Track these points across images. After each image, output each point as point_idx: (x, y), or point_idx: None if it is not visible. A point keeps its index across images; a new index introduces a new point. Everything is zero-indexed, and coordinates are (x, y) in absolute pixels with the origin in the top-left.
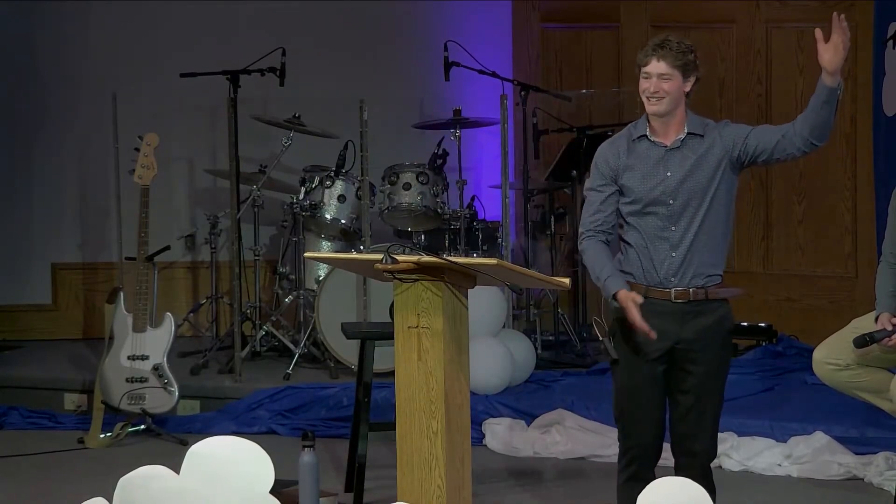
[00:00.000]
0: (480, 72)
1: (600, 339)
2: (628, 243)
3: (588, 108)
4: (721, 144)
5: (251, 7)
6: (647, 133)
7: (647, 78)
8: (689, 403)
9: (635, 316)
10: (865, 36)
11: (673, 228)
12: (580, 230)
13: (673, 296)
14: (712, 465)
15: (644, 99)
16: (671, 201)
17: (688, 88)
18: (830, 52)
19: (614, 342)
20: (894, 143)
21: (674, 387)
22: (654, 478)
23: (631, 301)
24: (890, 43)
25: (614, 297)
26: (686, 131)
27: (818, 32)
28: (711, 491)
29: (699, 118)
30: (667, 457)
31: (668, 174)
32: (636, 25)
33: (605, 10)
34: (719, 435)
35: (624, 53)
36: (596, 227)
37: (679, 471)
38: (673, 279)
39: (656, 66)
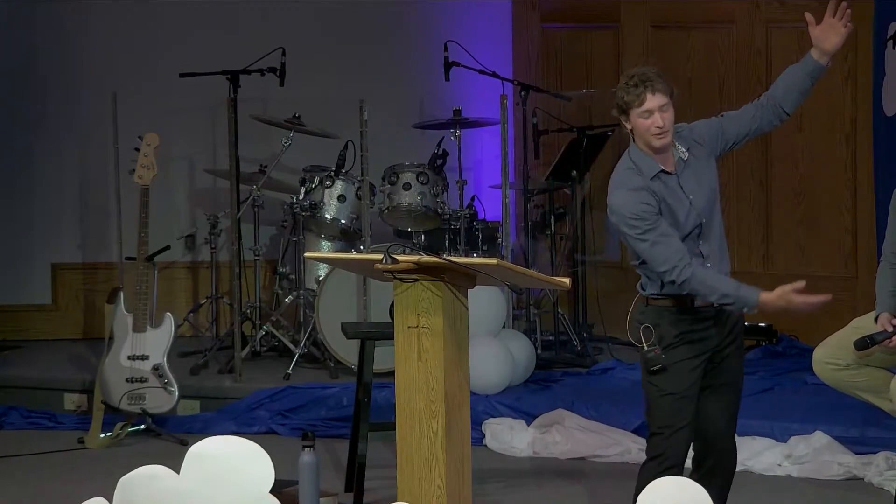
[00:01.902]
0: (480, 72)
1: (645, 347)
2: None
3: (588, 108)
4: (703, 148)
5: (251, 7)
6: (661, 168)
7: (647, 116)
8: (723, 402)
9: (810, 300)
10: (865, 36)
11: (702, 243)
12: (666, 269)
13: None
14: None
15: (649, 137)
16: (703, 221)
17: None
18: (838, 36)
19: (662, 351)
20: (894, 144)
21: (709, 387)
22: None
23: (790, 291)
24: (890, 43)
25: (758, 304)
26: (682, 149)
27: (808, 16)
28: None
29: (672, 132)
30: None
31: (691, 198)
32: (636, 25)
33: (605, 10)
34: None
35: (624, 53)
36: (683, 258)
37: (709, 473)
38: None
39: (654, 101)
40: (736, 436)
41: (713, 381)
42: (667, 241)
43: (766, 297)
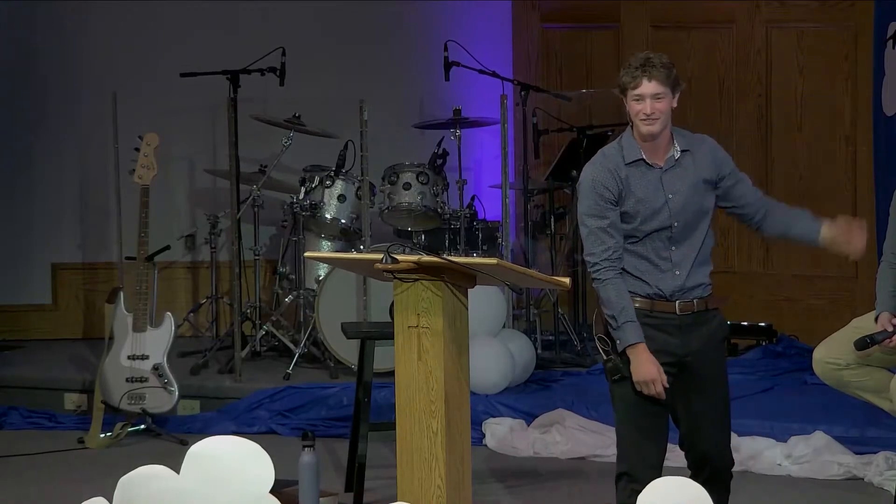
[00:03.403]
0: (480, 72)
1: (606, 356)
2: (626, 270)
3: (588, 108)
4: (710, 167)
5: (251, 7)
6: (645, 156)
7: (639, 100)
8: (698, 413)
9: (656, 378)
10: (865, 36)
11: (674, 249)
12: (590, 261)
13: (678, 309)
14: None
15: (637, 122)
16: (675, 223)
17: (675, 105)
18: (860, 243)
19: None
20: (894, 143)
21: (682, 399)
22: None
23: (653, 367)
24: (890, 43)
25: (626, 348)
26: (679, 149)
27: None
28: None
29: (681, 132)
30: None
31: (670, 196)
32: (636, 25)
33: (605, 10)
34: None
35: (624, 53)
36: (611, 258)
37: (706, 484)
38: (677, 294)
39: (648, 87)
40: (736, 435)
41: (691, 393)
42: (605, 235)
43: (636, 360)
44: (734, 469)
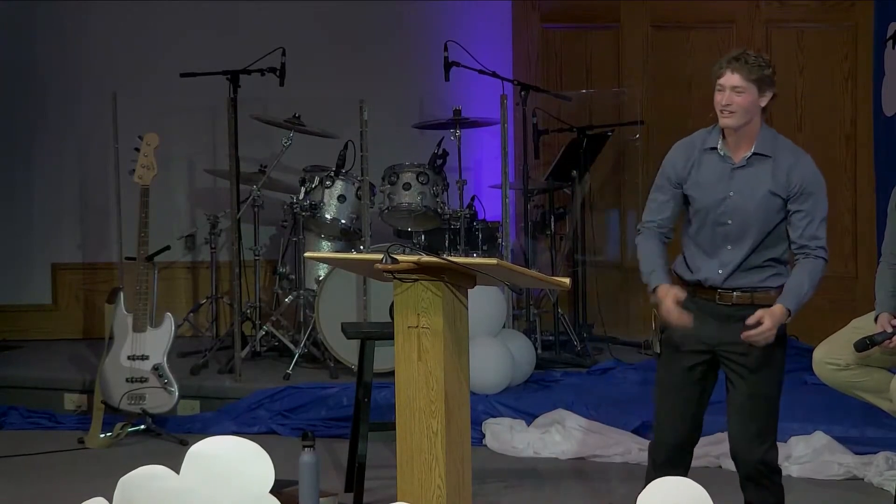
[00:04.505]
0: (480, 72)
1: (652, 332)
2: (686, 244)
3: (588, 108)
4: (781, 182)
5: (251, 7)
6: (719, 146)
7: (720, 90)
8: (730, 405)
9: (670, 306)
10: (865, 36)
11: (729, 247)
12: (642, 221)
13: (717, 298)
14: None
15: (717, 112)
16: (729, 221)
17: (763, 103)
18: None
19: (662, 338)
20: (894, 143)
21: (727, 391)
22: (674, 471)
23: (670, 295)
24: (890, 43)
25: (654, 291)
26: (754, 151)
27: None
28: (775, 492)
29: (773, 136)
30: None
31: (731, 194)
32: (636, 25)
33: (605, 10)
34: (719, 435)
35: (624, 53)
36: (656, 224)
37: (742, 485)
38: (718, 285)
39: (730, 79)
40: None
41: (729, 384)
42: (657, 204)
43: (661, 290)
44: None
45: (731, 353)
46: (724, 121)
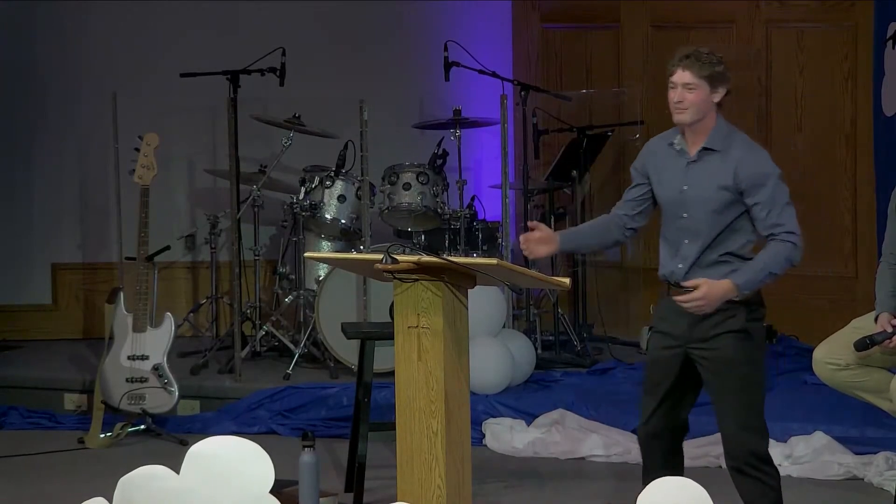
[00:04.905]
0: (480, 72)
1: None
2: (661, 241)
3: (588, 108)
4: (730, 176)
5: (251, 7)
6: (676, 141)
7: (673, 88)
8: (713, 400)
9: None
10: (865, 36)
11: (686, 242)
12: None
13: (683, 293)
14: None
15: (671, 109)
16: (685, 215)
17: (716, 99)
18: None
19: (649, 335)
20: (894, 143)
21: (707, 388)
22: (659, 467)
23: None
24: (890, 43)
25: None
26: (704, 146)
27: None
28: (766, 483)
29: (727, 131)
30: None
31: (685, 188)
32: (636, 25)
33: (605, 10)
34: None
35: (624, 53)
36: (622, 212)
37: (732, 476)
38: (680, 280)
39: (681, 76)
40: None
41: (707, 380)
42: (624, 197)
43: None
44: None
45: (698, 348)
46: (677, 117)
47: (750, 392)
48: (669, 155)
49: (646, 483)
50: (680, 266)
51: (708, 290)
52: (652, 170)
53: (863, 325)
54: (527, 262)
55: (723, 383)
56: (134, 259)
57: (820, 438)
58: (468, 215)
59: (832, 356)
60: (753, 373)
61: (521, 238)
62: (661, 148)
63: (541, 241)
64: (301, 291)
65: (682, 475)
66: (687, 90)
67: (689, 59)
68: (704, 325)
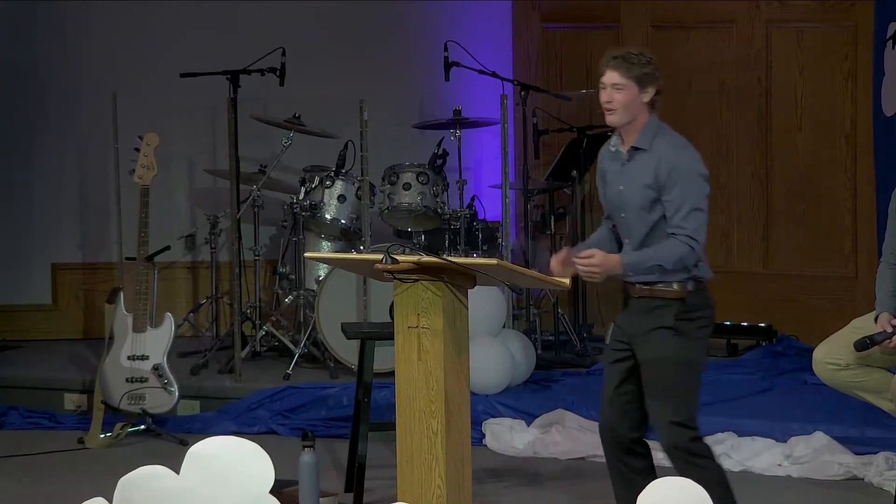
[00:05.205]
0: (480, 72)
1: None
2: None
3: (588, 108)
4: (651, 174)
5: (251, 7)
6: (613, 142)
7: (602, 88)
8: (645, 391)
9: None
10: (865, 36)
11: (626, 241)
12: None
13: (628, 290)
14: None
15: (603, 110)
16: (623, 215)
17: (646, 99)
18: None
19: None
20: (894, 143)
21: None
22: (622, 465)
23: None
24: (890, 43)
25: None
26: (632, 145)
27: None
28: (696, 473)
29: (655, 130)
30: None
31: (621, 187)
32: (636, 25)
33: (605, 10)
34: (719, 435)
35: None
36: (605, 218)
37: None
38: (625, 278)
39: (610, 77)
40: (735, 435)
41: (641, 374)
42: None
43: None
44: (734, 469)
45: (636, 343)
46: (608, 118)
47: (673, 388)
48: (611, 157)
49: (612, 477)
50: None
51: (601, 260)
52: (602, 174)
53: (863, 325)
54: (527, 263)
55: (649, 377)
56: (134, 259)
57: (820, 438)
58: (468, 215)
59: (832, 356)
60: (679, 370)
61: (554, 262)
62: (606, 151)
63: (564, 263)
64: (301, 291)
65: (645, 468)
66: (615, 90)
67: (617, 59)
68: (640, 322)
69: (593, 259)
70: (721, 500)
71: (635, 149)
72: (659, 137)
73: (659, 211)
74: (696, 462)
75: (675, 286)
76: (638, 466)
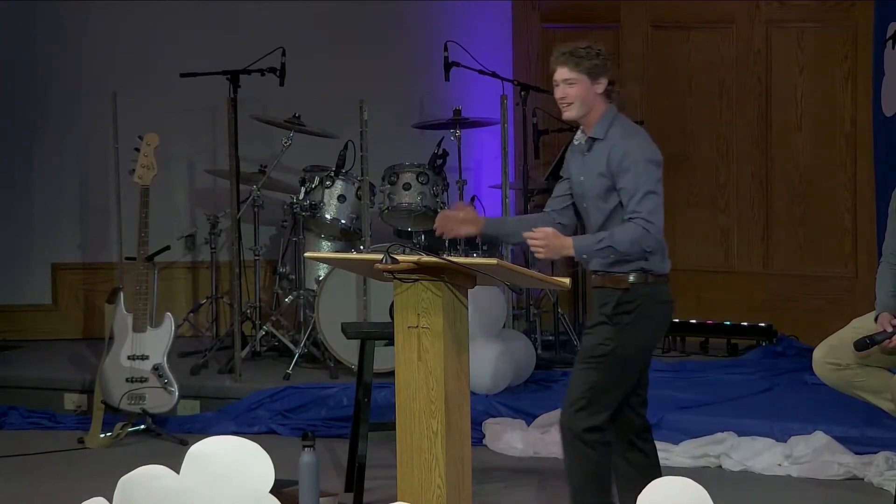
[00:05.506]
0: (480, 72)
1: None
2: None
3: None
4: (605, 163)
5: (251, 7)
6: (577, 135)
7: (556, 86)
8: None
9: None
10: (865, 36)
11: (587, 231)
12: None
13: (589, 282)
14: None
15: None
16: (584, 205)
17: (600, 90)
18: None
19: None
20: (894, 143)
21: None
22: (624, 462)
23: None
24: (890, 43)
25: None
26: (589, 136)
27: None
28: (574, 457)
29: (611, 120)
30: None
31: (582, 178)
32: (636, 25)
33: (605, 10)
34: (719, 435)
35: (624, 53)
36: (548, 204)
37: None
38: (587, 268)
39: (560, 73)
40: (735, 435)
41: None
42: (553, 194)
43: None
44: (734, 469)
45: (585, 334)
46: (564, 114)
47: (592, 372)
48: (574, 150)
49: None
50: (584, 256)
51: (551, 237)
52: (567, 170)
53: (863, 325)
54: (527, 263)
55: (577, 363)
56: (134, 259)
57: (820, 438)
58: None
59: (832, 356)
60: (604, 361)
61: (440, 215)
62: (571, 147)
63: (464, 221)
64: (301, 291)
65: (647, 465)
66: (568, 86)
67: (566, 55)
68: (592, 315)
69: (542, 233)
70: (587, 492)
71: (593, 139)
72: (614, 126)
73: (614, 199)
74: (575, 447)
75: (634, 276)
76: (640, 462)
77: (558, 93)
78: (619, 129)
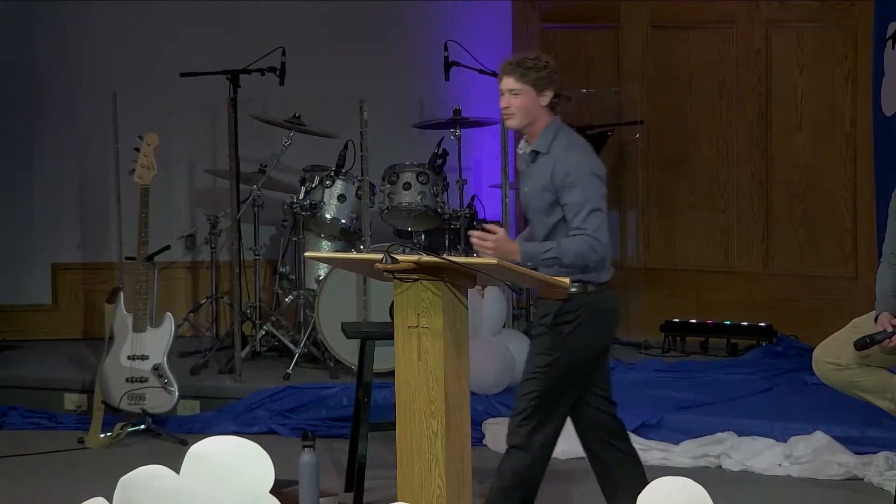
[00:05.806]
0: (480, 72)
1: None
2: None
3: (588, 107)
4: (547, 177)
5: (251, 7)
6: (521, 146)
7: (501, 94)
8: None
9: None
10: (865, 36)
11: (534, 241)
12: None
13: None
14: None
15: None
16: (529, 215)
17: (544, 102)
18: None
19: None
20: (894, 143)
21: None
22: (597, 460)
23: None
24: (890, 43)
25: None
26: (531, 148)
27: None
28: (511, 465)
29: (554, 133)
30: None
31: (526, 189)
32: (636, 25)
33: (605, 10)
34: (719, 435)
35: (624, 53)
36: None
37: None
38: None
39: (506, 83)
40: (735, 435)
41: None
42: None
43: None
44: (734, 469)
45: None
46: (507, 123)
47: (535, 382)
48: (519, 159)
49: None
50: (529, 265)
51: (501, 240)
52: (517, 176)
53: (863, 325)
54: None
55: (524, 374)
56: (134, 259)
57: (820, 438)
58: (468, 215)
59: (832, 356)
60: (548, 366)
61: (477, 236)
62: (519, 153)
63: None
64: (301, 291)
65: (621, 461)
66: (512, 96)
67: (512, 65)
68: (534, 325)
69: (491, 235)
70: (510, 498)
71: (536, 152)
72: (557, 140)
73: (558, 213)
74: (510, 455)
75: (576, 287)
76: (617, 461)
77: (502, 102)
78: (563, 142)
